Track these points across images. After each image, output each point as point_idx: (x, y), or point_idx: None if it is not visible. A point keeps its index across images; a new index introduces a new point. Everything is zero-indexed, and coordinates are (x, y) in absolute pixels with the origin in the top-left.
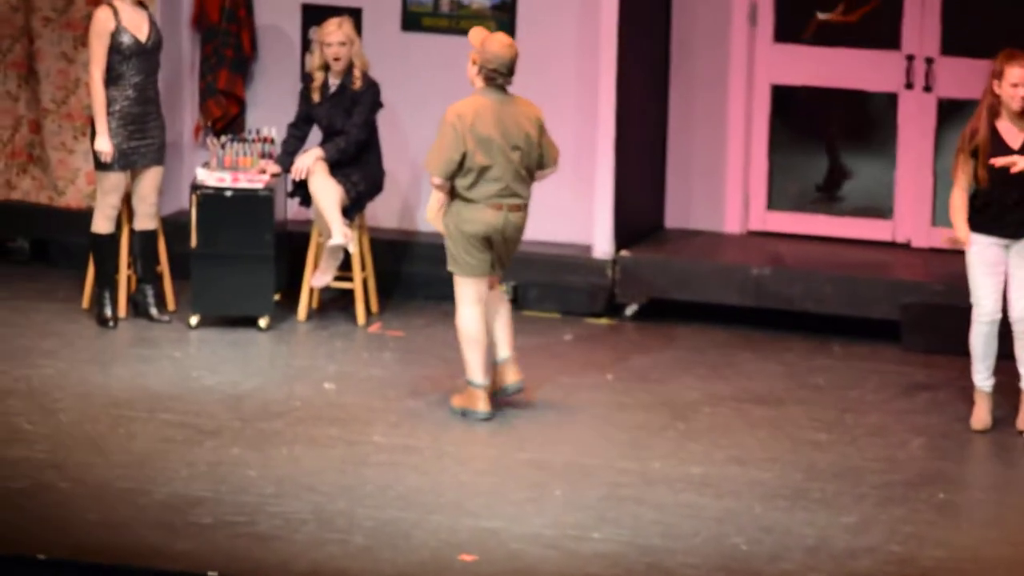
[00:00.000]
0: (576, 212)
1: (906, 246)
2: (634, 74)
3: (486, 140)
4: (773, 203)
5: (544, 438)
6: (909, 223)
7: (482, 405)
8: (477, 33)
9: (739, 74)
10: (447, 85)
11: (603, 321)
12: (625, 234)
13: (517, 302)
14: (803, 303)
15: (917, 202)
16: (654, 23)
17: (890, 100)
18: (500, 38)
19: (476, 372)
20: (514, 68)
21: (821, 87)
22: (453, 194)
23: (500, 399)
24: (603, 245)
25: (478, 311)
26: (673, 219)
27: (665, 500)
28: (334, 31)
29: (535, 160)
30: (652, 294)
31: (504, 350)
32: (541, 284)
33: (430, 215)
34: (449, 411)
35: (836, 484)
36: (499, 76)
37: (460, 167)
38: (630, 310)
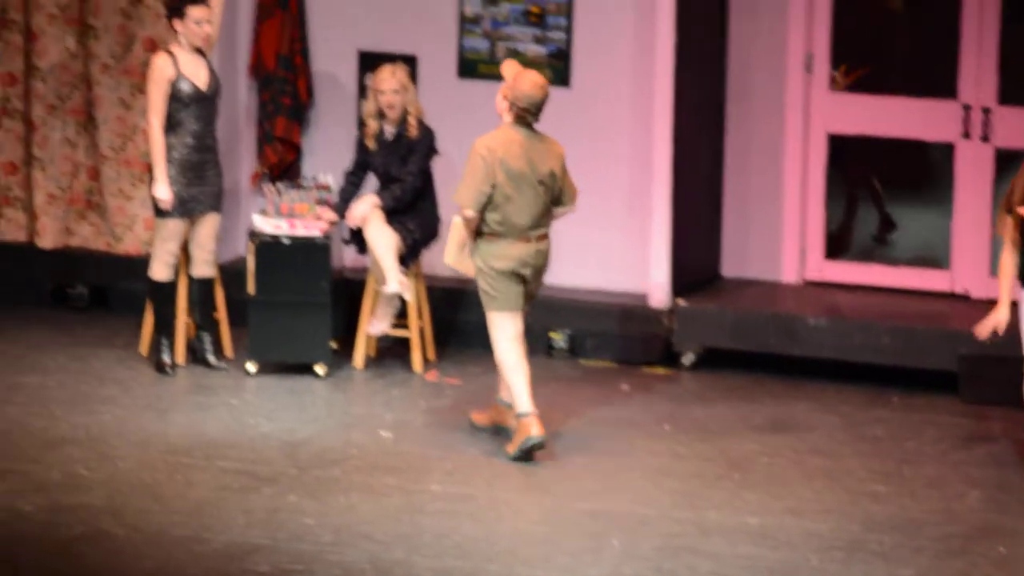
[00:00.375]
0: (632, 261)
1: (964, 297)
2: (690, 122)
3: (516, 174)
4: (830, 253)
5: (600, 488)
6: (967, 274)
7: (535, 430)
8: (510, 67)
9: (795, 122)
10: None
11: (659, 370)
12: (681, 283)
13: (573, 351)
14: (860, 354)
15: (975, 253)
16: (710, 70)
17: (947, 150)
18: (532, 77)
19: (524, 402)
20: (543, 107)
21: (877, 136)
22: (478, 232)
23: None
24: (659, 294)
25: (516, 345)
26: (729, 268)
27: (722, 551)
28: (387, 78)
29: (556, 196)
30: (709, 343)
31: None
32: (597, 333)
33: (451, 258)
34: (509, 459)
35: (894, 536)
36: (528, 115)
37: (489, 200)
38: (687, 359)
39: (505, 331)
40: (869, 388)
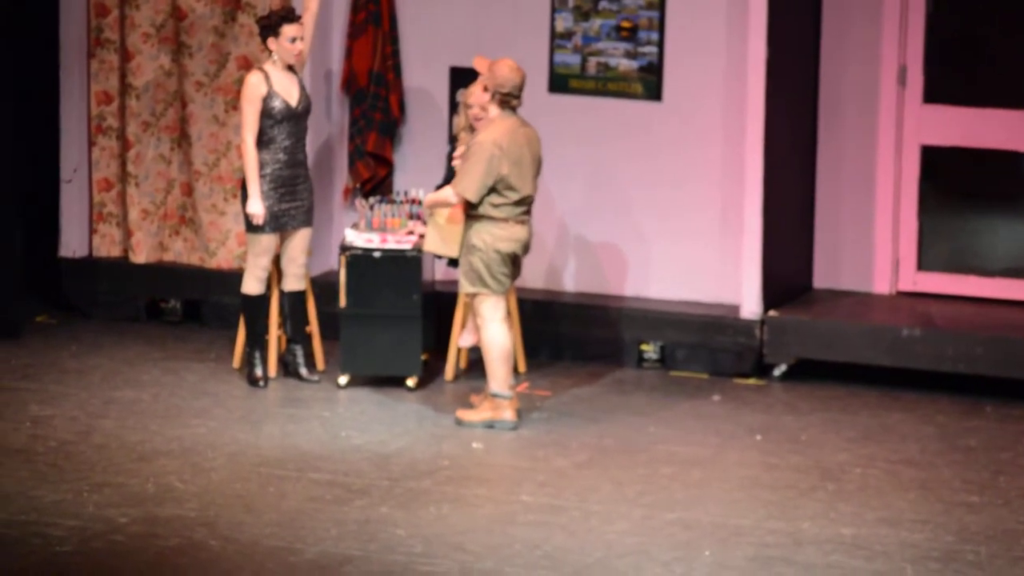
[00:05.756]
0: (724, 272)
1: None
2: (782, 133)
3: (518, 161)
4: (923, 264)
5: (692, 498)
6: None
7: (510, 415)
8: (481, 62)
9: (888, 134)
10: (594, 147)
11: (751, 382)
12: (773, 294)
13: (664, 362)
14: (954, 364)
15: None
16: (802, 82)
17: None
18: (508, 63)
19: (505, 384)
20: (523, 89)
21: (971, 147)
22: (481, 216)
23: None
24: (751, 305)
25: (506, 326)
26: (821, 279)
27: (815, 561)
28: (476, 93)
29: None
30: (800, 355)
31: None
32: (689, 345)
33: (437, 241)
34: (464, 426)
35: (989, 546)
36: (512, 99)
37: (492, 189)
38: (778, 371)
39: (496, 314)
40: (963, 399)
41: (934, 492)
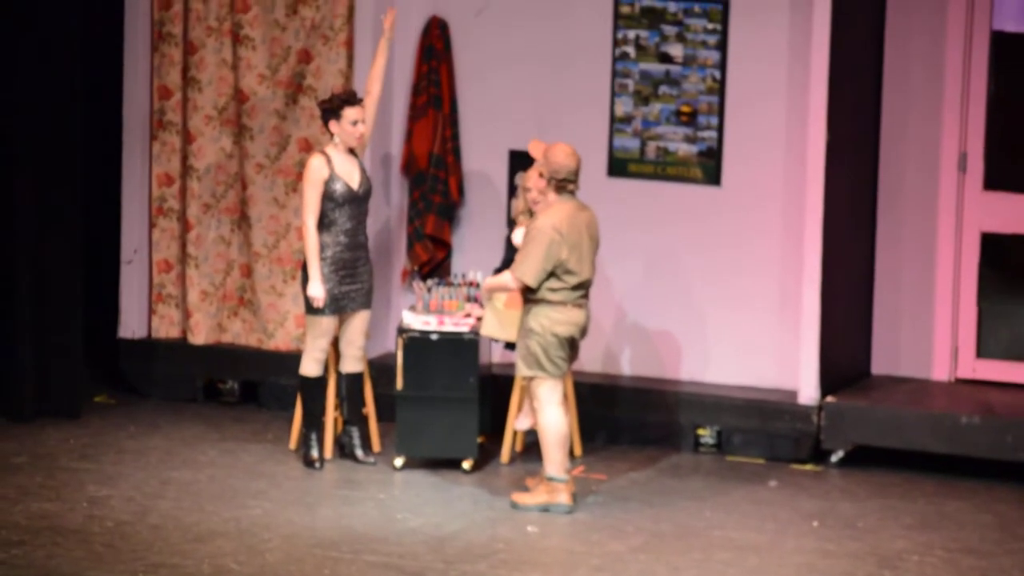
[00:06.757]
0: (781, 357)
1: None
2: (841, 219)
3: (577, 245)
4: (983, 351)
5: None
6: None
7: (565, 498)
8: (536, 146)
9: (948, 221)
10: (652, 231)
11: (808, 468)
12: (831, 380)
13: (721, 447)
14: (1014, 453)
15: None
16: (861, 168)
17: None
18: (563, 148)
19: (562, 468)
20: (579, 174)
21: None
22: (539, 299)
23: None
24: (809, 391)
25: (563, 410)
26: (880, 365)
27: None
28: (534, 177)
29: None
30: (858, 441)
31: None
32: (746, 430)
33: (495, 325)
34: (519, 509)
35: None
36: (569, 183)
37: (551, 274)
38: (836, 457)
39: (553, 397)
40: (1022, 487)
41: None
